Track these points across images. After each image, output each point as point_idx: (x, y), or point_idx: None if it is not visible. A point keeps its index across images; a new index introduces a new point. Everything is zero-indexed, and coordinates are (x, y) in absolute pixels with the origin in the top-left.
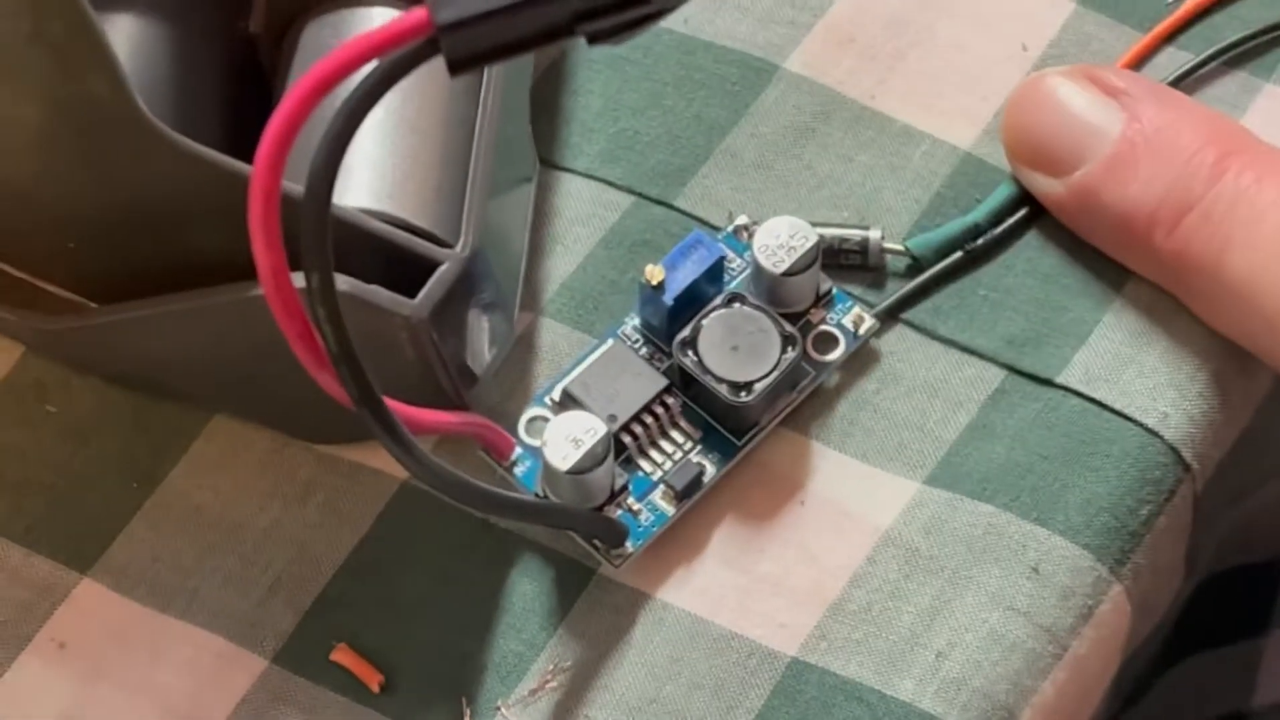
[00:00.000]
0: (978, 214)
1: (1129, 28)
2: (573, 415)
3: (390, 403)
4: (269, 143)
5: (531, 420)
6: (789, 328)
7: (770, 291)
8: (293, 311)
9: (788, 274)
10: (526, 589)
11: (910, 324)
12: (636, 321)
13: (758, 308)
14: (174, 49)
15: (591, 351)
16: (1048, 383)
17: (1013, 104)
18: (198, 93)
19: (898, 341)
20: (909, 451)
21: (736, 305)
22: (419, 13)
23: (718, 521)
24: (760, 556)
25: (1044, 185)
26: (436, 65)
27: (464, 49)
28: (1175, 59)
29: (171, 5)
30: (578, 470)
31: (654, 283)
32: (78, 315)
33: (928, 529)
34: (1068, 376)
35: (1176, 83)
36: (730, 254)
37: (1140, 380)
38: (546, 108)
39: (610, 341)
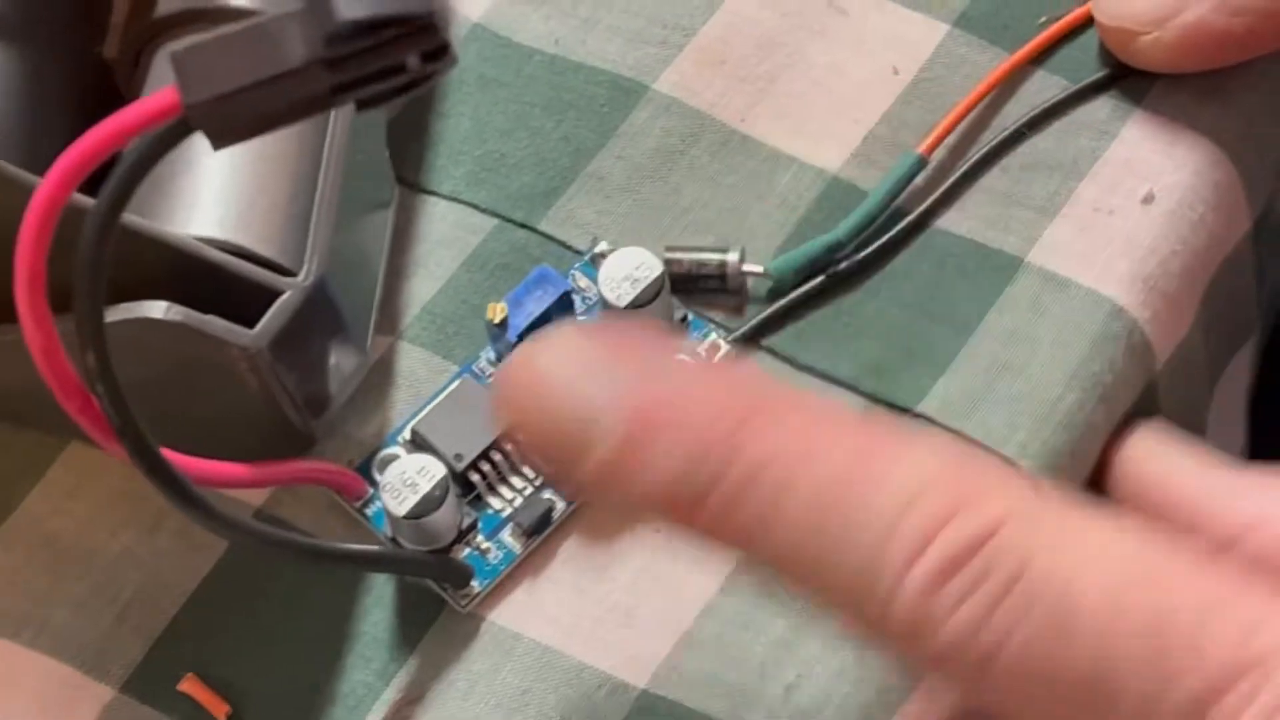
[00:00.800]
0: (839, 232)
1: (1001, 49)
2: (410, 458)
3: (224, 465)
4: (29, 230)
5: (384, 459)
6: None
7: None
8: (70, 391)
9: (632, 306)
10: (378, 618)
11: (772, 351)
12: (491, 354)
13: None
14: (24, 72)
15: (444, 389)
16: (906, 411)
17: (501, 398)
18: (48, 118)
19: (759, 368)
20: None
21: None
22: (168, 93)
23: (571, 552)
24: (613, 586)
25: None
26: None
27: (219, 126)
28: (1045, 83)
29: (21, 29)
30: (414, 515)
31: (496, 320)
32: None
33: None
34: (926, 406)
35: (1048, 113)
36: (586, 284)
37: (998, 409)
38: (414, 130)
39: (458, 381)
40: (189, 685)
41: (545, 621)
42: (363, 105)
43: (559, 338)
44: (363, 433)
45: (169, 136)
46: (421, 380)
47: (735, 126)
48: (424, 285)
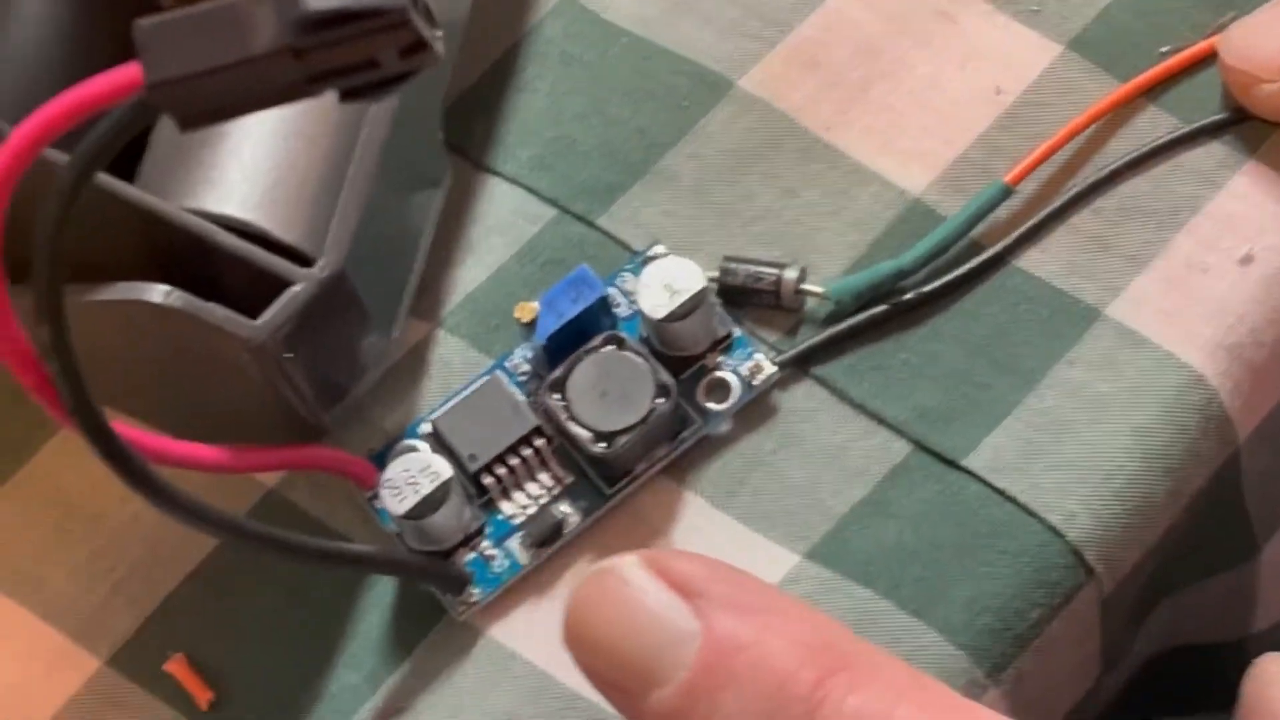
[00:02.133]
0: (906, 258)
1: (1114, 77)
2: (416, 456)
3: (197, 448)
4: None
5: (401, 451)
6: (665, 376)
7: (658, 334)
8: (25, 365)
9: (669, 319)
10: (375, 620)
11: (822, 381)
12: (528, 353)
13: (639, 351)
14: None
15: (471, 384)
16: (953, 464)
17: (576, 602)
18: (92, 55)
19: (806, 398)
20: (795, 520)
21: (612, 348)
22: (131, 69)
23: (581, 572)
24: None
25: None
26: None
27: (184, 107)
28: (1155, 120)
29: None
30: (412, 516)
31: (524, 321)
32: None
33: None
34: (974, 460)
35: (1153, 153)
36: (633, 285)
37: (1051, 474)
38: (487, 104)
39: (486, 377)
40: (175, 666)
41: (545, 643)
42: (347, 97)
43: (641, 558)
44: (388, 421)
45: (132, 115)
46: (455, 372)
47: (819, 135)
48: (471, 272)
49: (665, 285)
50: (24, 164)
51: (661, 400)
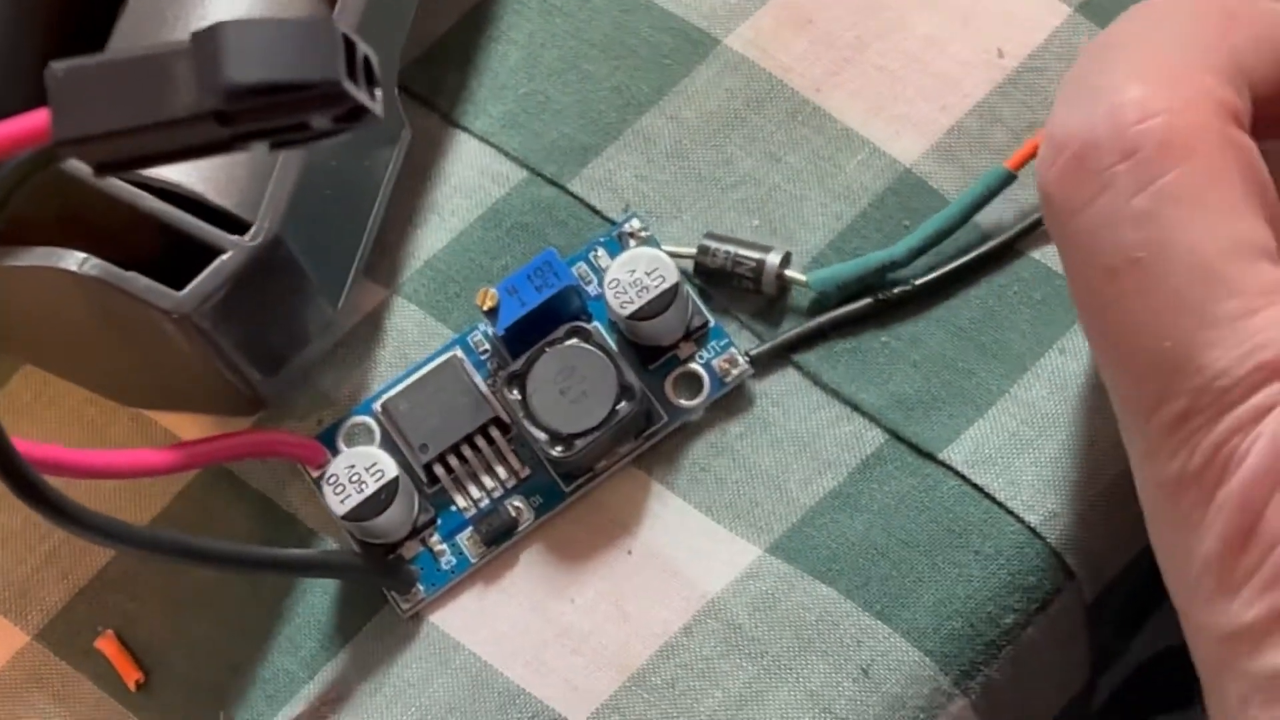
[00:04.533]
0: (896, 250)
1: None
2: (364, 451)
3: (136, 452)
4: None
5: (352, 429)
6: (630, 377)
7: (628, 325)
8: None
9: (636, 317)
10: (315, 603)
11: (796, 364)
12: (491, 330)
13: (604, 347)
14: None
15: (429, 360)
16: (929, 456)
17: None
18: (30, 44)
19: (776, 381)
20: (759, 511)
21: (576, 340)
22: (40, 116)
23: (533, 561)
24: (569, 607)
25: None
26: (277, 14)
27: (96, 159)
28: None
29: None
30: (354, 517)
31: (485, 308)
32: None
33: (756, 605)
34: (952, 453)
35: None
36: (607, 263)
37: (1033, 470)
38: (460, 54)
39: (444, 356)
40: (105, 643)
41: (490, 635)
42: (276, 147)
43: None
44: (339, 391)
45: (36, 164)
46: (411, 342)
47: (808, 96)
48: (433, 236)
49: (634, 281)
50: None
51: (624, 405)
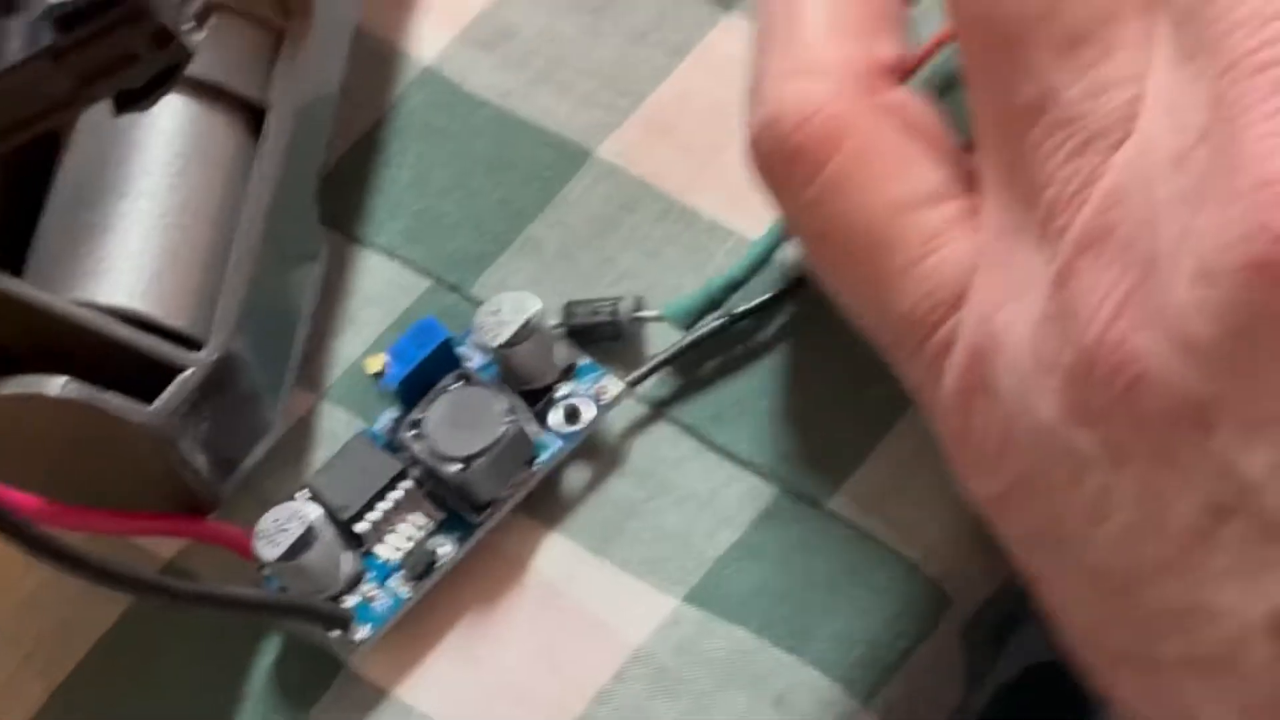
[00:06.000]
0: (735, 268)
1: None
2: (285, 506)
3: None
4: None
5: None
6: (511, 399)
7: (505, 368)
8: None
9: (505, 346)
10: (281, 676)
11: (690, 430)
12: (395, 413)
13: (485, 385)
14: None
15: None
16: (818, 506)
17: None
18: None
19: (674, 448)
20: (671, 565)
21: (463, 384)
22: None
23: (471, 624)
24: (508, 663)
25: None
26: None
27: None
28: None
29: None
30: (287, 558)
31: (370, 372)
32: None
33: (678, 649)
34: (835, 502)
35: None
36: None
37: (909, 510)
38: (355, 177)
39: (353, 434)
40: None
41: (437, 696)
42: (121, 106)
43: None
44: (279, 492)
45: None
46: (340, 441)
47: (676, 197)
48: (351, 344)
49: (500, 318)
50: None
51: (511, 419)
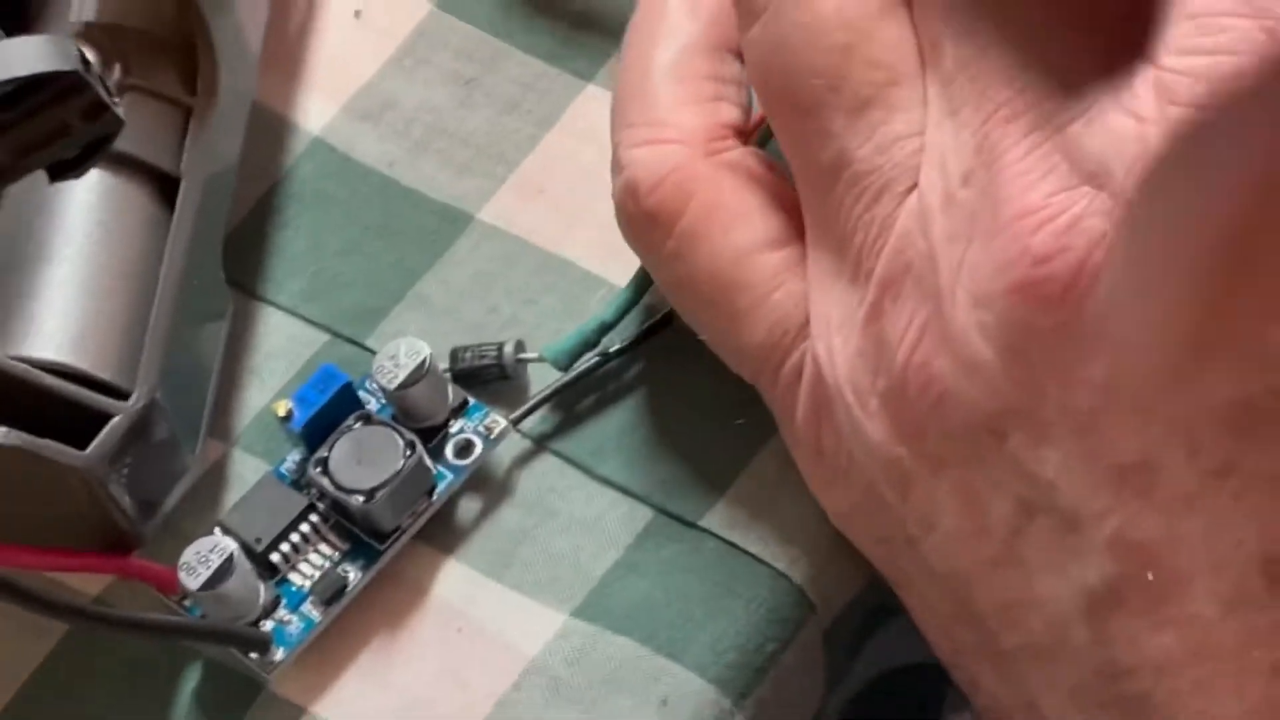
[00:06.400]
0: (606, 310)
1: None
2: (206, 539)
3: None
4: None
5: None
6: (409, 435)
7: (401, 408)
8: None
9: (401, 387)
10: (203, 700)
11: (573, 462)
12: (298, 456)
13: (385, 423)
14: None
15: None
16: (692, 525)
17: None
18: None
19: (559, 477)
20: (561, 585)
21: (363, 423)
22: None
23: (381, 645)
24: (415, 680)
25: None
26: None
27: None
28: None
29: None
30: (209, 586)
31: (280, 415)
32: None
33: (571, 659)
34: (710, 520)
35: None
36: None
37: (775, 524)
38: (254, 239)
39: (262, 475)
40: None
41: (353, 714)
42: (55, 175)
43: None
44: (196, 532)
45: None
46: (250, 485)
47: (552, 251)
48: (257, 395)
49: (394, 361)
50: None
51: (410, 453)
